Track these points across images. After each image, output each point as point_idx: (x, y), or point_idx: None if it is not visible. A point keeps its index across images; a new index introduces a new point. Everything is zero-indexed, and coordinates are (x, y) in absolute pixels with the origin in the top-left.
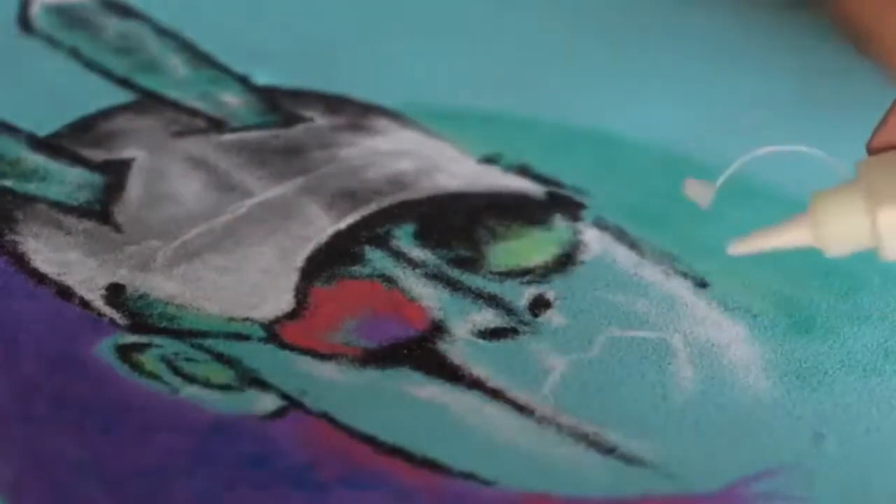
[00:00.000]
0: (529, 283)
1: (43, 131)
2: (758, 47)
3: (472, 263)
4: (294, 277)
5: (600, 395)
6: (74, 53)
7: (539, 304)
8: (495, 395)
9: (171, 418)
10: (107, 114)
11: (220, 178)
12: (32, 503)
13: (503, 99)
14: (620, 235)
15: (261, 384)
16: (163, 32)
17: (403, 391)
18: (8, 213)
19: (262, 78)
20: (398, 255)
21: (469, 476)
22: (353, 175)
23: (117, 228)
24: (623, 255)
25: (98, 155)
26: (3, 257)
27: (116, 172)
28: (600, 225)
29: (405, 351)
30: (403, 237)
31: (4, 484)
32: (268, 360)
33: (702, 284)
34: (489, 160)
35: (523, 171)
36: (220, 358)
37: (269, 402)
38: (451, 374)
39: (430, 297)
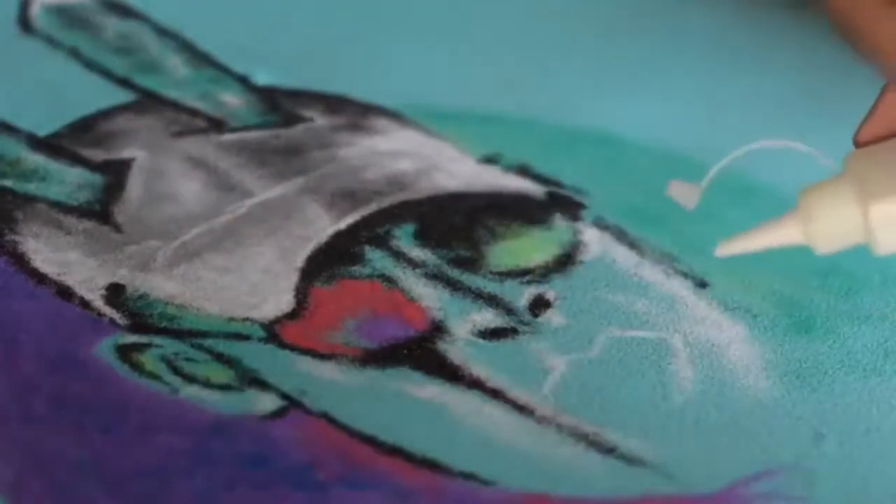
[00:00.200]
0: (529, 283)
1: (43, 131)
2: (758, 47)
3: (472, 263)
4: (294, 277)
5: (600, 395)
6: (74, 53)
7: (539, 304)
8: (495, 395)
9: (171, 418)
10: (107, 114)
11: (219, 177)
12: (32, 503)
13: (503, 99)
14: (620, 235)
15: (261, 384)
16: (163, 32)
17: (403, 391)
18: (8, 213)
19: (262, 78)
20: (398, 255)
21: (469, 476)
22: (353, 175)
23: (117, 228)
24: (623, 255)
25: (98, 155)
26: (3, 257)
27: (116, 172)
28: (600, 225)
29: (405, 351)
30: (403, 237)
31: (4, 484)
32: (268, 360)
33: (702, 284)
34: (489, 160)
35: (523, 171)
36: (220, 358)
37: (269, 402)
38: (451, 374)
39: (430, 297)
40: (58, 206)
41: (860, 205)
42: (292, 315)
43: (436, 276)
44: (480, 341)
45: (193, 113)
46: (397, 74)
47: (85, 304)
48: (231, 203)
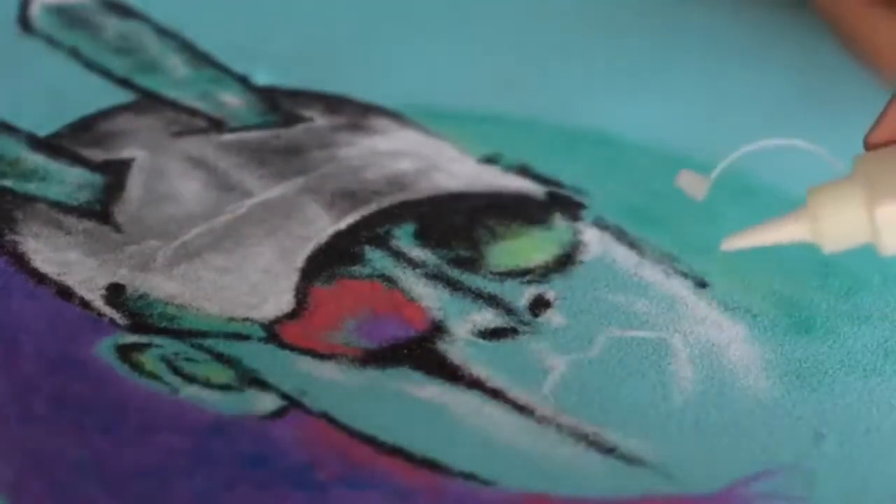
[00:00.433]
0: (529, 283)
1: (43, 131)
2: (758, 46)
3: (472, 263)
4: (294, 277)
5: (600, 395)
6: (74, 53)
7: (539, 304)
8: (495, 395)
9: (171, 418)
10: (107, 114)
11: (219, 177)
12: (32, 503)
13: (503, 99)
14: (620, 235)
15: (261, 384)
16: (163, 32)
17: (403, 391)
18: (8, 213)
19: (262, 78)
20: (398, 255)
21: (469, 476)
22: (353, 175)
23: (117, 228)
24: (623, 255)
25: (98, 155)
26: (3, 257)
27: (116, 172)
28: (600, 225)
29: (405, 351)
30: (403, 237)
31: (4, 484)
32: (268, 360)
33: (702, 284)
34: (489, 160)
35: (523, 171)
36: (220, 358)
37: (269, 402)
38: (451, 374)
39: (430, 297)
40: (58, 206)
41: (868, 206)
42: (292, 315)
43: (436, 276)
44: (480, 341)
45: (193, 113)
46: (397, 74)
47: (85, 304)
48: (231, 203)
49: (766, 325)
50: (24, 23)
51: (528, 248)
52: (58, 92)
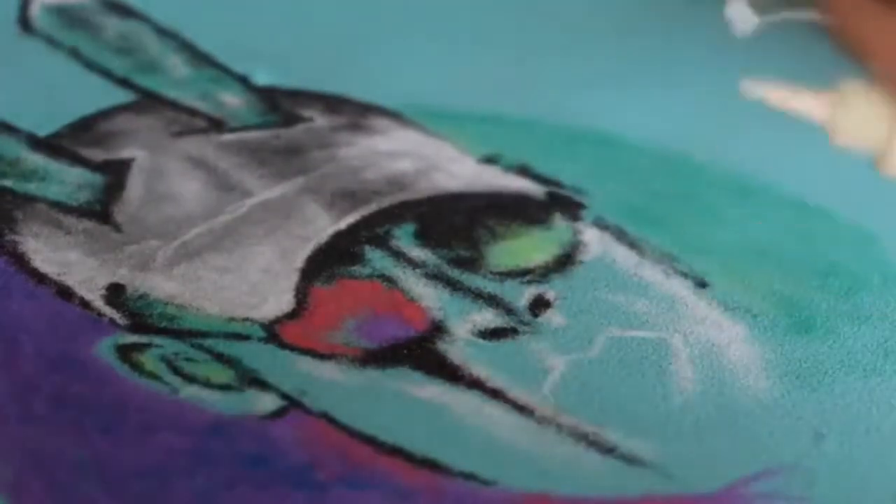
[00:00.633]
0: (529, 283)
1: (43, 131)
2: (758, 46)
3: (472, 263)
4: (294, 277)
5: (600, 395)
6: (74, 53)
7: (539, 304)
8: (495, 395)
9: (171, 418)
10: (107, 114)
11: (219, 177)
12: (32, 503)
13: (503, 99)
14: (620, 235)
15: (261, 384)
16: (163, 32)
17: (403, 391)
18: (8, 213)
19: (262, 78)
20: (398, 255)
21: (469, 476)
22: (353, 175)
23: (117, 228)
24: (623, 255)
25: (98, 155)
26: (3, 257)
27: (116, 172)
28: (600, 225)
29: (405, 351)
30: (403, 237)
31: (4, 484)
32: (268, 360)
33: (702, 284)
34: (489, 160)
35: (523, 171)
36: (220, 358)
37: (269, 402)
38: (451, 374)
39: (430, 297)
40: (58, 206)
41: (893, 115)
42: (292, 315)
43: (436, 276)
44: (480, 341)
45: (193, 113)
46: (397, 74)
47: (85, 304)
48: (231, 203)
49: (766, 325)
50: (24, 23)
51: (528, 248)
52: (58, 92)
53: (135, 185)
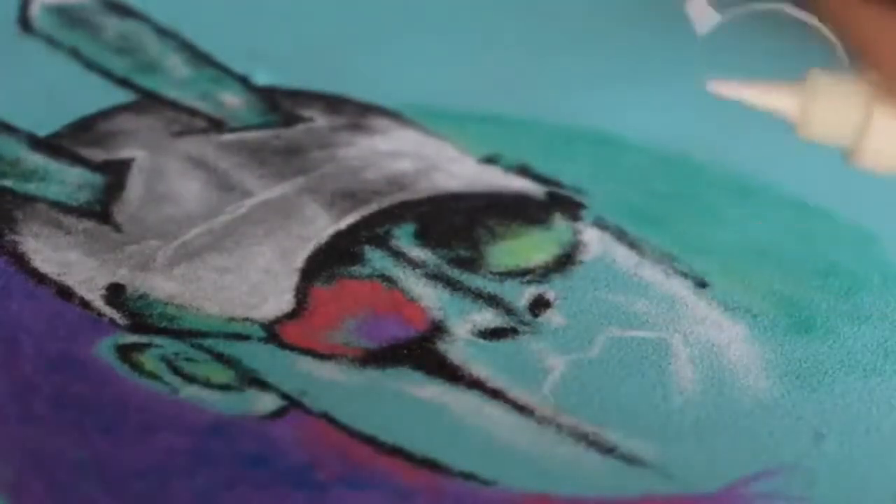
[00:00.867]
0: (529, 283)
1: (43, 131)
2: (757, 47)
3: (472, 263)
4: (294, 277)
5: (600, 395)
6: (74, 53)
7: (539, 304)
8: (495, 395)
9: (171, 418)
10: (107, 114)
11: (219, 177)
12: (32, 503)
13: (503, 99)
14: (620, 235)
15: (261, 384)
16: (163, 32)
17: (403, 391)
18: (8, 213)
19: (262, 78)
20: (398, 255)
21: (469, 476)
22: (353, 175)
23: (117, 228)
24: (623, 255)
25: (98, 155)
26: (3, 257)
27: (116, 172)
28: (600, 225)
29: (405, 351)
30: (403, 237)
31: (4, 484)
32: (268, 360)
33: (702, 284)
34: (489, 160)
35: (523, 171)
36: (220, 358)
37: (269, 402)
38: (451, 374)
39: (430, 297)
40: (58, 206)
41: (866, 105)
42: (292, 315)
43: (436, 276)
44: (480, 341)
45: (193, 113)
46: (397, 74)
47: (85, 304)
48: (231, 203)
49: (766, 325)
50: (24, 23)
51: (528, 248)
52: (58, 92)
53: (135, 185)
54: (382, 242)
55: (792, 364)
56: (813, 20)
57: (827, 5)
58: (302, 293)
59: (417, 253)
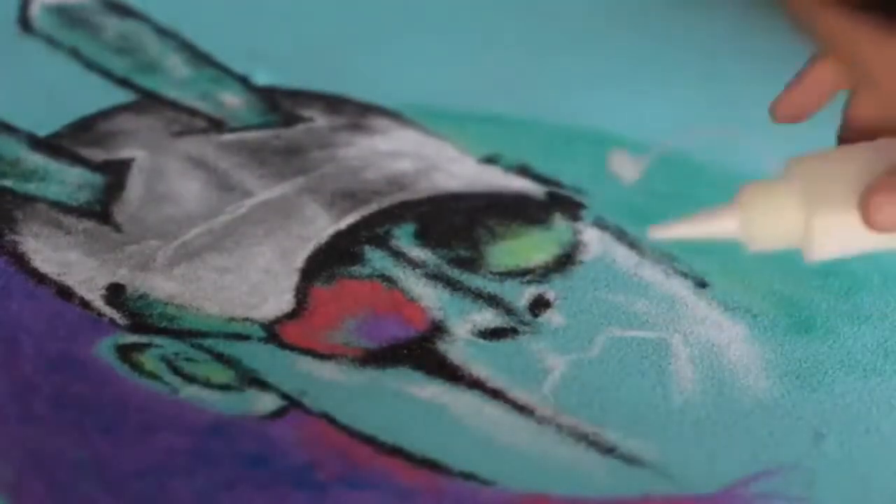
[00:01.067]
0: (529, 283)
1: (43, 131)
2: (757, 47)
3: (472, 263)
4: (294, 277)
5: (600, 395)
6: (74, 53)
7: (539, 304)
8: (495, 395)
9: (171, 418)
10: (107, 114)
11: (219, 177)
12: (32, 503)
13: (503, 99)
14: (620, 235)
15: (261, 384)
16: (163, 32)
17: (403, 391)
18: (8, 213)
19: (262, 78)
20: (398, 255)
21: (469, 476)
22: (353, 175)
23: (117, 228)
24: (623, 255)
25: (98, 155)
26: (3, 257)
27: (116, 172)
28: (600, 225)
29: (405, 351)
30: (403, 237)
31: (4, 484)
32: (268, 360)
33: (702, 284)
34: (489, 160)
35: (523, 171)
36: (220, 358)
37: (269, 402)
38: (451, 374)
39: (430, 297)
40: (58, 206)
41: (803, 210)
42: (292, 315)
43: (436, 276)
44: (480, 341)
45: (193, 113)
46: (397, 74)
47: (85, 304)
48: (231, 203)
49: (766, 325)
50: (24, 23)
51: (528, 248)
52: (58, 92)
53: (135, 185)
54: (382, 242)
55: (792, 364)
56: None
57: (822, 26)
58: (302, 293)
59: (417, 253)
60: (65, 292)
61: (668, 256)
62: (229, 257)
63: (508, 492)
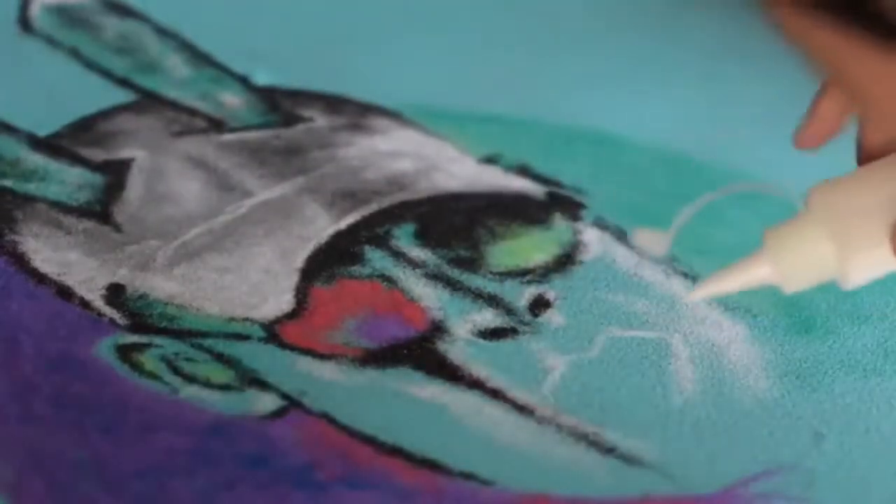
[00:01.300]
0: (529, 283)
1: (43, 131)
2: (757, 46)
3: (472, 263)
4: (294, 277)
5: (600, 395)
6: (74, 53)
7: (539, 304)
8: (495, 395)
9: (171, 418)
10: (107, 114)
11: (219, 177)
12: (32, 503)
13: (503, 99)
14: (620, 235)
15: (261, 384)
16: (163, 32)
17: (403, 391)
18: (8, 213)
19: (262, 78)
20: (398, 255)
21: (469, 476)
22: (353, 175)
23: (117, 228)
24: (623, 255)
25: (98, 155)
26: (3, 257)
27: (116, 172)
28: (600, 225)
29: (405, 351)
30: (403, 237)
31: (4, 484)
32: (268, 360)
33: None
34: (489, 160)
35: (523, 171)
36: (220, 358)
37: (269, 402)
38: (451, 374)
39: (430, 297)
40: (58, 206)
41: (833, 246)
42: (292, 315)
43: (436, 276)
44: (480, 341)
45: (193, 113)
46: (397, 74)
47: (85, 304)
48: (231, 203)
49: (766, 325)
50: (24, 23)
51: (528, 248)
52: (58, 92)
53: (135, 185)
54: (382, 242)
55: (792, 364)
56: None
57: (821, 46)
58: (302, 293)
59: (417, 253)
60: (65, 292)
61: (668, 256)
62: (229, 257)
63: (508, 492)
